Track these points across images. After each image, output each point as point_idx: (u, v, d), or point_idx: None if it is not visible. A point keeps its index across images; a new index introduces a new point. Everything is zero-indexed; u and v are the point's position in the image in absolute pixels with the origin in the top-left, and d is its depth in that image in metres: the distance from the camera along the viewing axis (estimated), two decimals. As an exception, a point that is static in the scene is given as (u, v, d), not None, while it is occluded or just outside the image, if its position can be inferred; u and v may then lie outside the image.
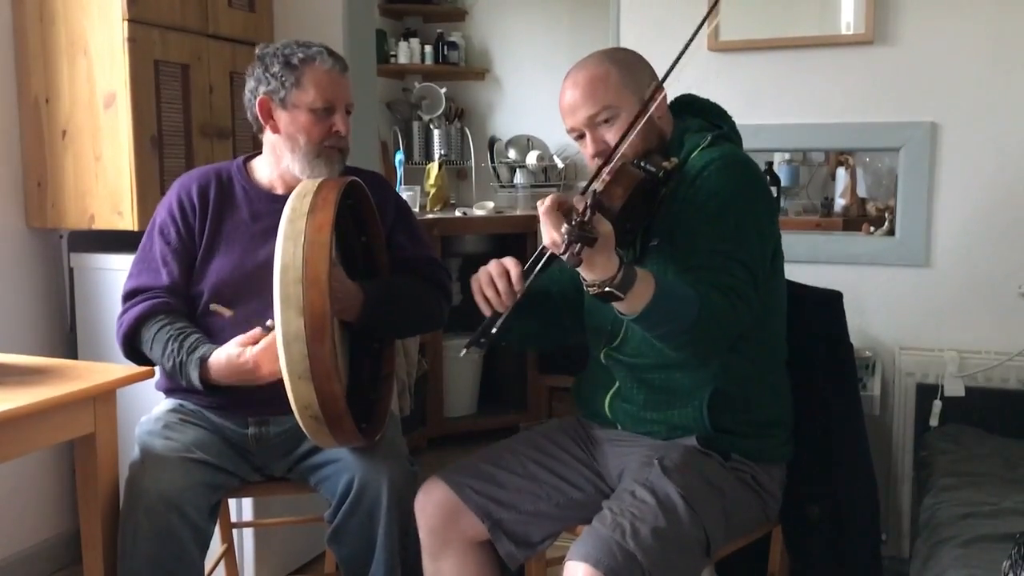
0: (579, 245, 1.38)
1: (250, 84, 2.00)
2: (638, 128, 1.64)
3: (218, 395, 1.93)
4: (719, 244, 1.64)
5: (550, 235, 1.44)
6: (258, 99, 1.97)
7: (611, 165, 1.66)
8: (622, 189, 1.60)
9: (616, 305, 1.51)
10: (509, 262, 1.63)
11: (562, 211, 1.45)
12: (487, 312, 1.62)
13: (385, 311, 1.94)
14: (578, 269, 1.45)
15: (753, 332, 1.71)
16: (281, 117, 1.97)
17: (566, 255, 1.39)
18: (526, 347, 3.77)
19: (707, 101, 1.90)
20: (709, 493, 1.67)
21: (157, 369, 1.99)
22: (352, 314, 1.88)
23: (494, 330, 1.60)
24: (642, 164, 1.68)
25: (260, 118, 1.98)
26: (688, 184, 1.71)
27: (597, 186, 1.62)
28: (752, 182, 1.74)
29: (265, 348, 1.79)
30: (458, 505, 1.77)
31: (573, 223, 1.38)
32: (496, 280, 1.61)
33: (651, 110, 1.66)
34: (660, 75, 1.70)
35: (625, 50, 1.85)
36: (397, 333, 2.11)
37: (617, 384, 1.83)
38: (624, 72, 1.75)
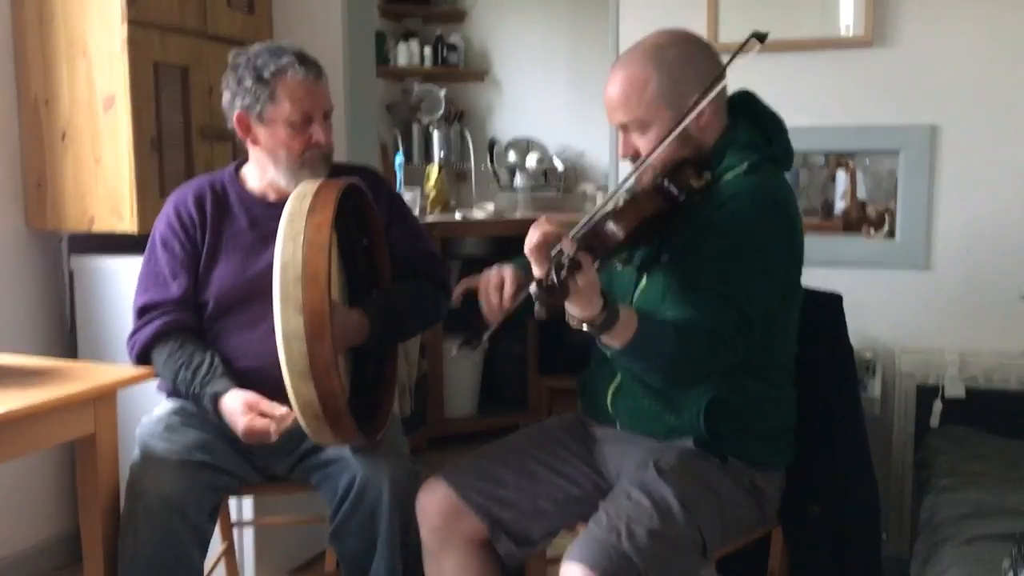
0: (549, 299, 1.35)
1: (226, 96, 1.98)
2: (665, 144, 1.61)
3: None
4: (722, 286, 1.58)
5: (535, 270, 1.45)
6: (235, 114, 1.97)
7: (632, 178, 1.64)
8: (626, 223, 1.54)
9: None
10: (508, 275, 1.64)
11: (549, 247, 1.43)
12: (458, 301, 1.70)
13: (391, 329, 1.96)
14: None
15: (758, 358, 1.69)
16: (260, 132, 1.97)
17: (535, 306, 1.36)
18: None
19: (766, 108, 1.81)
20: (705, 495, 1.66)
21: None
22: (360, 341, 1.89)
23: (484, 337, 1.63)
24: (665, 184, 1.61)
25: (240, 133, 1.99)
26: (713, 208, 1.65)
27: (597, 219, 1.58)
28: (774, 225, 1.66)
29: (257, 426, 1.80)
30: (459, 505, 1.77)
31: (543, 283, 1.33)
32: (490, 293, 1.63)
33: (685, 123, 1.61)
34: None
35: (682, 44, 1.70)
36: (404, 340, 2.14)
37: (620, 379, 1.82)
38: (666, 82, 1.66)
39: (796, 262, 1.74)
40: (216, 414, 1.87)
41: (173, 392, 2.02)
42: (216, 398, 1.86)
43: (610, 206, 1.62)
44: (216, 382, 1.88)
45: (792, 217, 1.70)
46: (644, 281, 1.74)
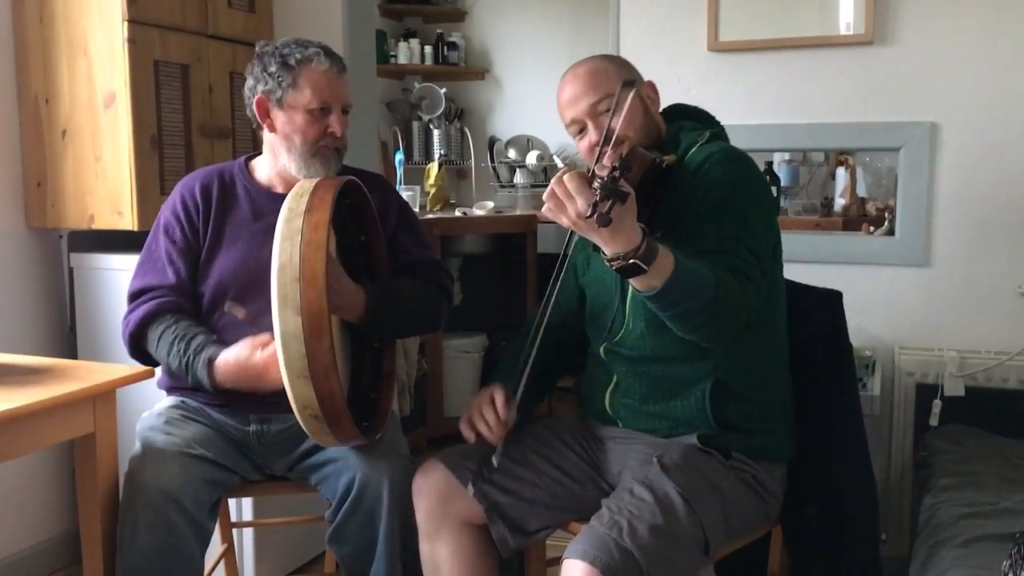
0: (610, 202, 1.33)
1: (249, 82, 2.01)
2: (627, 105, 1.65)
3: (224, 393, 1.94)
4: (726, 229, 1.66)
5: (573, 205, 1.41)
6: (255, 98, 1.98)
7: (611, 143, 1.66)
8: (637, 166, 1.58)
9: (637, 282, 1.49)
10: (495, 390, 1.75)
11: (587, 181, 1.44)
12: (471, 438, 1.77)
13: (387, 313, 1.94)
14: (601, 244, 1.44)
15: (754, 323, 1.70)
16: (278, 117, 1.98)
17: (595, 215, 1.35)
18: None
19: (696, 108, 1.93)
20: (708, 492, 1.66)
21: (159, 368, 1.99)
22: (354, 315, 1.88)
23: (495, 459, 1.73)
24: (645, 147, 1.69)
25: (257, 117, 2.00)
26: (689, 177, 1.73)
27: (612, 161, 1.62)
28: (752, 175, 1.77)
29: (275, 353, 1.79)
30: (455, 486, 1.78)
31: (604, 180, 1.35)
32: (484, 413, 1.74)
33: (636, 89, 1.70)
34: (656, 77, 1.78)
35: (615, 55, 1.90)
36: (399, 334, 2.13)
37: (616, 379, 1.83)
38: (620, 67, 1.82)
39: (774, 210, 1.83)
40: (211, 381, 1.86)
41: (168, 372, 2.01)
42: (211, 361, 1.86)
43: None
44: (211, 348, 1.88)
45: (761, 172, 1.83)
46: None
